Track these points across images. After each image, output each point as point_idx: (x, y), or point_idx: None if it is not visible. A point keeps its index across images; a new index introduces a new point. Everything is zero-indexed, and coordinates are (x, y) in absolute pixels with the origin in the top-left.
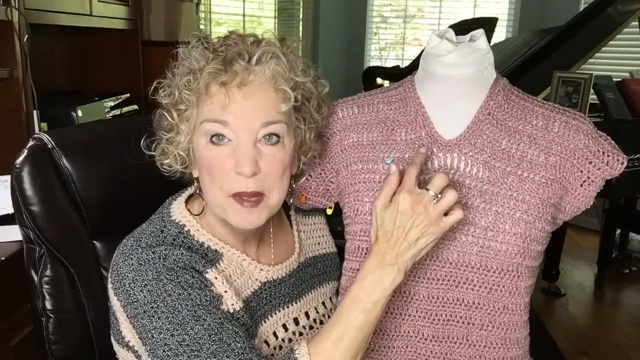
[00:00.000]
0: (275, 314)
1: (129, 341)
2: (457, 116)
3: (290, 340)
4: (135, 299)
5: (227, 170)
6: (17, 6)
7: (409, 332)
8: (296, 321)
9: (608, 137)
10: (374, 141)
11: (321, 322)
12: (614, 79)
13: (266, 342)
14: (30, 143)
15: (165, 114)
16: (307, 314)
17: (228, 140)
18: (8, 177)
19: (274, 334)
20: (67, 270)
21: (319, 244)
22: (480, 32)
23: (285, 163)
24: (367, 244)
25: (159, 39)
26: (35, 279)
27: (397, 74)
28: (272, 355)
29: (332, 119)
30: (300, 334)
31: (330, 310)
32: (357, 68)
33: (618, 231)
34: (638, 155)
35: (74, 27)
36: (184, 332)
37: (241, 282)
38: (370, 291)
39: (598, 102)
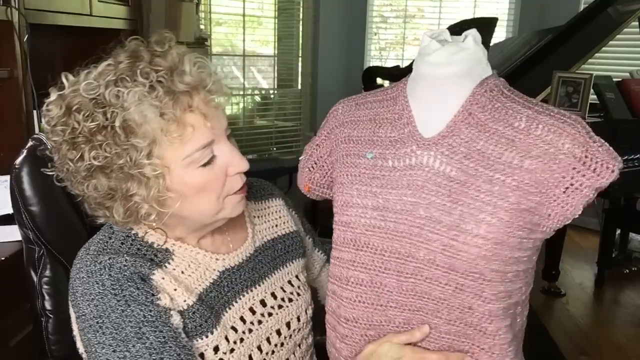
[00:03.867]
0: (240, 299)
1: (82, 353)
2: (438, 115)
3: (259, 322)
4: (83, 313)
5: (223, 178)
6: (17, 6)
7: (381, 321)
8: (263, 303)
9: (603, 143)
10: (361, 137)
11: (290, 300)
12: (614, 79)
13: (233, 327)
14: (30, 143)
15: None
16: (273, 295)
17: (214, 156)
18: (8, 177)
19: (241, 318)
20: (66, 271)
21: (276, 225)
22: (470, 32)
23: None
24: (347, 234)
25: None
26: (35, 279)
27: (397, 74)
28: (242, 339)
29: (333, 114)
30: (270, 314)
31: (298, 287)
32: (357, 68)
33: (618, 231)
34: (638, 155)
35: (74, 27)
36: (125, 349)
37: (197, 275)
38: None
39: (598, 102)
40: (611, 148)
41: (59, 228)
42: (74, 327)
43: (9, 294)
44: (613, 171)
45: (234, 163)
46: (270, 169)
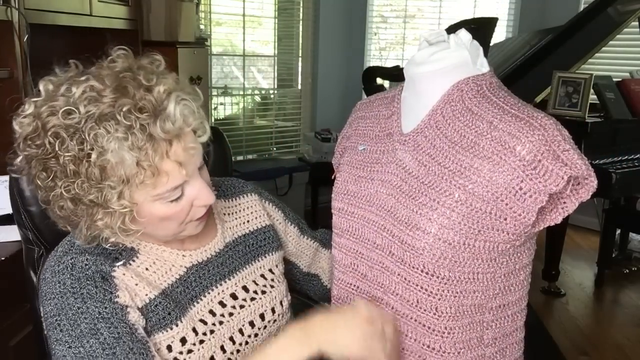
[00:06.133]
0: (209, 293)
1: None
2: (417, 113)
3: (230, 314)
4: (46, 312)
5: (188, 209)
6: (17, 6)
7: (340, 296)
8: (234, 296)
9: (567, 149)
10: (361, 132)
11: (263, 292)
12: (614, 79)
13: (202, 320)
14: None
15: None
16: (245, 288)
17: (183, 193)
18: (8, 177)
19: (211, 311)
20: None
21: (248, 221)
22: (459, 32)
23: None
24: (335, 218)
25: (159, 39)
26: (34, 279)
27: (397, 74)
28: (212, 331)
29: (353, 109)
30: (242, 306)
31: (272, 280)
32: (357, 68)
33: (618, 231)
34: (638, 155)
35: (74, 27)
36: (80, 345)
37: (162, 272)
38: (280, 350)
39: (598, 102)
40: (582, 158)
41: (58, 228)
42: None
43: (9, 294)
44: (563, 178)
45: (200, 198)
46: (270, 169)
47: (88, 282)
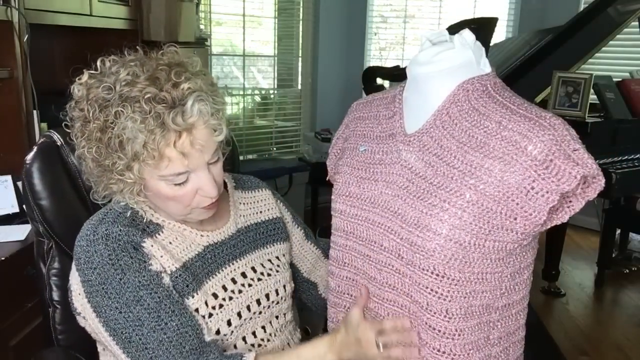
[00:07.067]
0: (223, 270)
1: (76, 308)
2: (421, 113)
3: (240, 291)
4: (89, 279)
5: (192, 196)
6: (17, 6)
7: (369, 309)
8: (244, 275)
9: (577, 148)
10: (360, 132)
11: (268, 275)
12: (614, 79)
13: (214, 294)
14: (41, 140)
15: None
16: (253, 269)
17: (188, 180)
18: (8, 177)
19: (223, 287)
20: None
21: (260, 212)
22: (462, 32)
23: (222, 167)
24: (337, 220)
25: (159, 39)
26: (44, 270)
27: (397, 74)
28: (221, 305)
29: (349, 110)
30: (250, 285)
31: (277, 265)
32: (357, 68)
33: (618, 231)
34: (638, 155)
35: (74, 27)
36: (128, 311)
37: (182, 247)
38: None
39: (598, 102)
40: (590, 157)
41: (67, 222)
42: (75, 288)
43: (9, 294)
44: (576, 177)
45: (204, 190)
46: (270, 169)
47: (123, 253)
